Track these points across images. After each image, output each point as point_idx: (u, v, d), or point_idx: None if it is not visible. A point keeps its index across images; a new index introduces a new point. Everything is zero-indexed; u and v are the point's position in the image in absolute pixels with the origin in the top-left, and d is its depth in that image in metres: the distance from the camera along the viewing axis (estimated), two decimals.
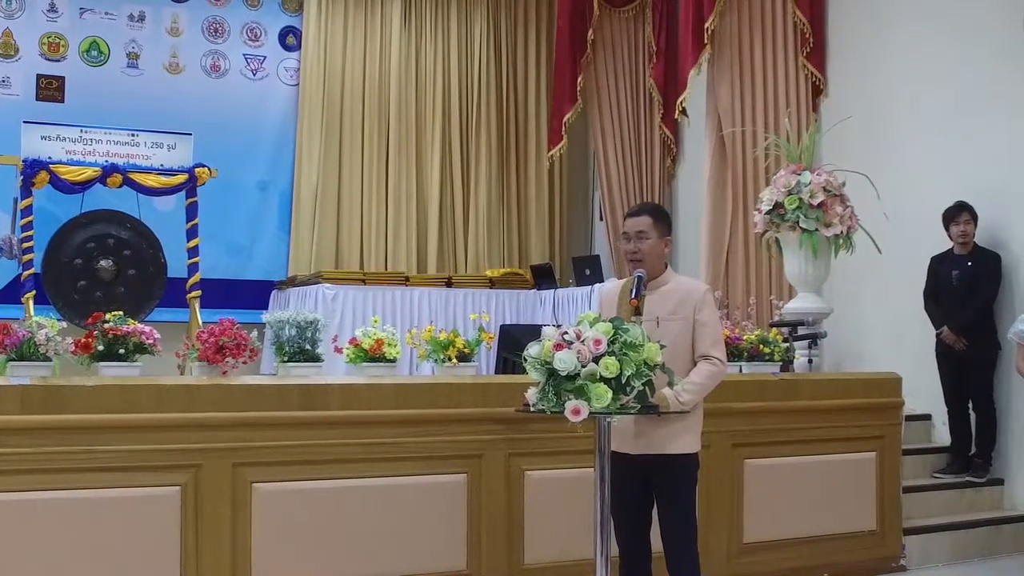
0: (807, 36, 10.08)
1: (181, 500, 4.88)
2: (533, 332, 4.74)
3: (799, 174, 8.10)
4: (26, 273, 10.21)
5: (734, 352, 6.71)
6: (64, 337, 5.29)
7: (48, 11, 11.92)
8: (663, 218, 4.98)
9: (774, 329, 7.48)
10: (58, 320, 5.42)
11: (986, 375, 7.99)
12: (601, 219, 13.15)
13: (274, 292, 12.18)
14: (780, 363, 7.05)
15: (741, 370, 6.84)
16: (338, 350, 6.00)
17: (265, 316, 6.34)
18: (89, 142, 10.68)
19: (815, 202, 7.97)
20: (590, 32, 12.44)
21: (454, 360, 5.89)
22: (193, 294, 10.86)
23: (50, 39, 11.91)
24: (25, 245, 10.22)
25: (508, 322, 11.19)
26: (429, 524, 5.38)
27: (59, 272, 10.52)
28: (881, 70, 9.45)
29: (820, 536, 6.59)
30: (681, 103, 10.85)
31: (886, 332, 9.08)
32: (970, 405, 8.08)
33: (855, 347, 9.31)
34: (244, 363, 5.69)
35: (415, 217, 13.01)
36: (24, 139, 10.41)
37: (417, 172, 13.09)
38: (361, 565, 5.21)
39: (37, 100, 11.75)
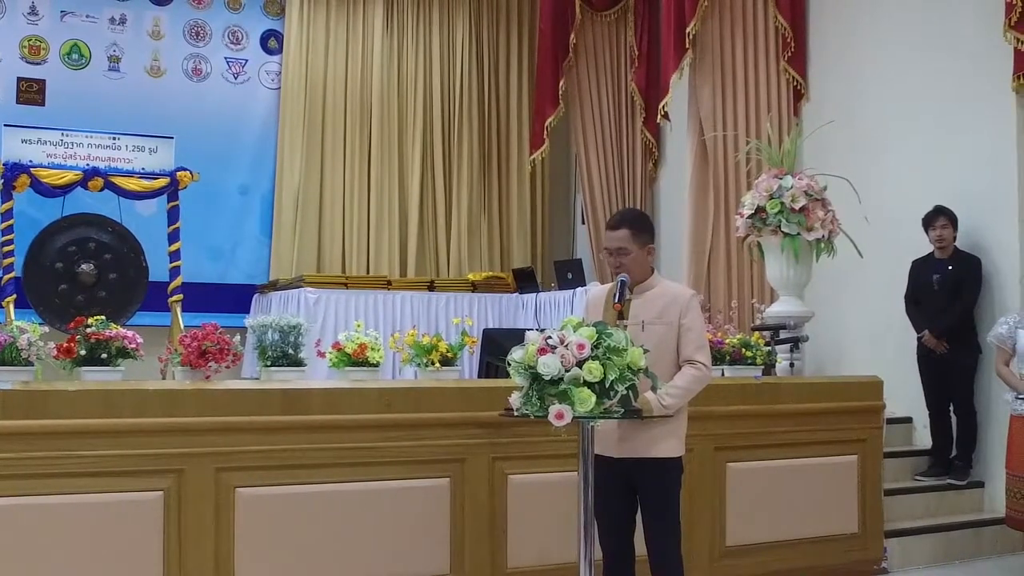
0: (788, 41, 10.12)
1: (164, 505, 4.86)
2: (516, 336, 4.75)
3: (781, 178, 8.13)
4: (6, 277, 10.16)
5: (716, 356, 6.71)
6: (46, 342, 5.27)
7: (28, 14, 11.88)
8: (642, 227, 4.95)
9: (756, 333, 7.49)
10: (40, 324, 5.40)
11: (967, 378, 8.02)
12: (583, 223, 13.18)
13: (256, 296, 12.16)
14: (762, 367, 7.07)
15: (723, 374, 6.86)
16: (321, 354, 5.99)
17: (248, 320, 6.33)
18: (70, 145, 10.64)
19: (797, 206, 8.00)
20: (572, 36, 12.46)
21: (437, 364, 5.90)
22: (175, 298, 10.83)
23: (31, 42, 11.88)
24: (5, 249, 10.17)
25: (490, 326, 11.21)
26: (412, 528, 5.37)
27: (40, 276, 10.47)
28: (862, 75, 9.49)
29: (802, 539, 6.60)
30: (663, 107, 10.88)
31: (867, 336, 9.11)
32: (951, 408, 8.11)
33: (837, 351, 9.34)
34: (227, 367, 5.68)
35: (397, 221, 13.03)
36: (4, 142, 10.37)
37: (399, 176, 13.11)
38: (344, 569, 5.20)
39: (17, 103, 11.73)
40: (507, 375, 4.36)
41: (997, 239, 8.09)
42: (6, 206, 10.21)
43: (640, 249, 4.88)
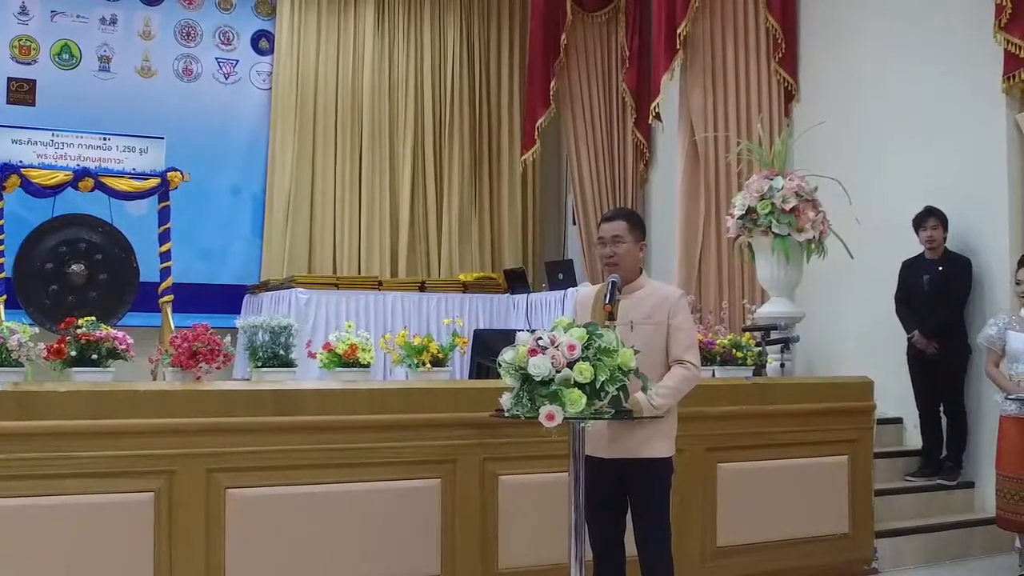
0: (779, 42, 10.13)
1: (154, 506, 4.85)
2: (507, 337, 4.75)
3: (771, 179, 8.14)
4: None
5: (707, 356, 6.73)
6: (36, 342, 5.26)
7: (19, 14, 11.86)
8: (638, 223, 5.01)
9: (747, 333, 7.51)
10: (30, 325, 5.39)
11: (957, 379, 8.04)
12: (574, 223, 13.18)
13: (247, 296, 12.15)
14: (753, 367, 7.08)
15: (714, 374, 6.86)
16: (312, 355, 5.98)
17: (238, 321, 6.31)
18: (60, 146, 10.63)
19: (787, 207, 8.01)
20: (563, 37, 12.47)
21: (428, 365, 5.89)
22: (165, 299, 10.82)
23: (21, 42, 11.85)
24: None
25: (481, 327, 11.20)
26: (403, 529, 5.37)
27: (30, 277, 10.45)
28: (852, 76, 9.50)
29: (793, 539, 6.61)
30: (654, 108, 10.89)
31: (858, 336, 9.13)
32: (941, 408, 8.13)
33: (827, 351, 9.36)
34: (217, 368, 5.66)
35: (388, 221, 13.02)
36: None
37: (390, 176, 13.10)
38: (335, 570, 5.20)
39: (8, 103, 11.68)
40: (498, 376, 4.36)
41: (987, 240, 8.11)
42: None
43: (634, 243, 4.92)
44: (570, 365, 4.14)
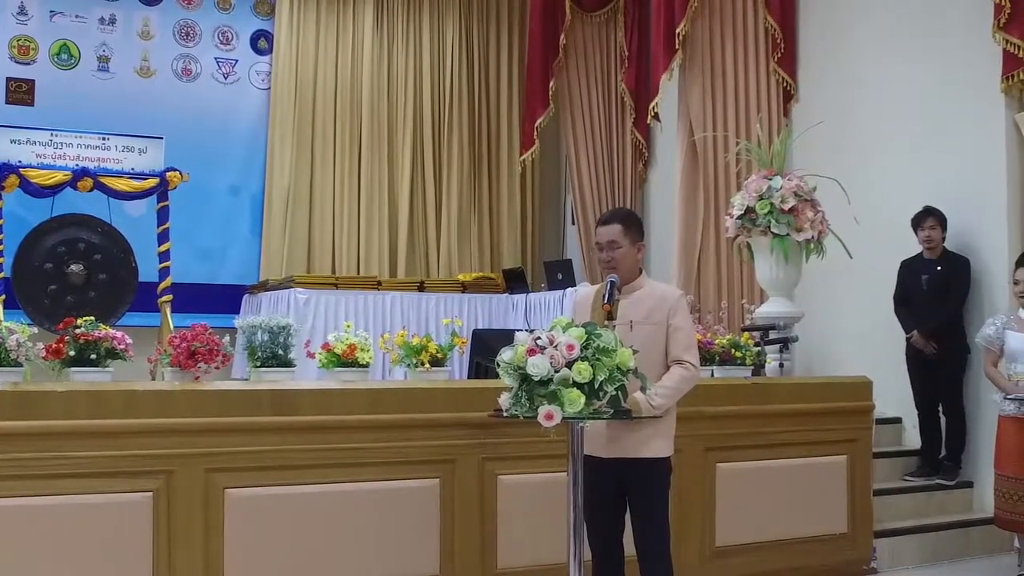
0: (778, 41, 10.13)
1: (153, 506, 4.85)
2: (506, 337, 4.74)
3: (770, 179, 8.13)
4: None
5: (706, 356, 6.72)
6: (35, 342, 5.25)
7: (17, 14, 11.85)
8: (634, 224, 4.99)
9: (745, 333, 7.50)
10: (28, 325, 5.38)
11: (955, 378, 8.04)
12: (573, 223, 13.18)
13: (246, 296, 12.14)
14: (752, 367, 7.07)
15: (713, 374, 6.86)
16: (310, 355, 5.98)
17: (237, 321, 6.31)
18: (59, 146, 10.62)
19: (786, 207, 8.00)
20: (562, 37, 12.47)
21: (427, 365, 5.89)
22: (164, 298, 10.81)
23: (20, 42, 11.84)
24: None
25: (480, 326, 11.19)
26: (402, 529, 5.37)
27: (29, 277, 10.44)
28: (851, 76, 9.51)
29: (791, 539, 6.61)
30: (653, 108, 10.89)
31: (857, 336, 9.13)
32: (940, 408, 8.13)
33: (826, 351, 9.36)
34: (216, 368, 5.65)
35: (387, 221, 13.02)
36: None
37: (389, 176, 13.10)
38: (334, 571, 5.20)
39: (7, 103, 11.67)
40: (497, 376, 4.36)
41: (986, 240, 8.11)
42: None
43: (631, 246, 4.90)
44: (569, 365, 4.13)
